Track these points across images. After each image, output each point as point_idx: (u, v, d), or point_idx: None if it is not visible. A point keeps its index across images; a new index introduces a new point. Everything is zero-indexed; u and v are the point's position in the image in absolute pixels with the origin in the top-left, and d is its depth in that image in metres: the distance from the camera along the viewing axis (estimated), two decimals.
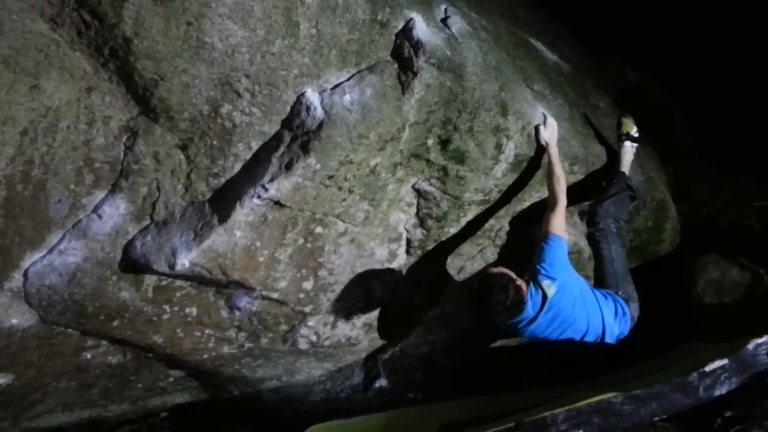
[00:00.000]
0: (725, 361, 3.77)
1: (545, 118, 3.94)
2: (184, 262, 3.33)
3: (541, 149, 3.96)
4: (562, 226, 3.69)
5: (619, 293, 3.85)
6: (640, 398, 3.63)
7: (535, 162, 4.02)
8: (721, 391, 3.73)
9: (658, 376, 3.82)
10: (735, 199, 5.78)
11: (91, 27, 2.95)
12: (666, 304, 5.10)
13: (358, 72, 3.44)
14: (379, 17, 3.42)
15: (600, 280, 4.00)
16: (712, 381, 3.72)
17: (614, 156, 4.40)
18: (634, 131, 4.43)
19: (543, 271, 3.53)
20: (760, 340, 3.87)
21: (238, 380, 4.37)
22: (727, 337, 4.11)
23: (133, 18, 2.91)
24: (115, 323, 3.61)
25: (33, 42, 2.96)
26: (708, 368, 3.72)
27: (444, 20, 3.77)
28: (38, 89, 3.05)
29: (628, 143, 4.37)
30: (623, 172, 4.24)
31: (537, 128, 3.90)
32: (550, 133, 3.90)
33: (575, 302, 3.57)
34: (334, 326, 4.19)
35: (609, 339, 3.70)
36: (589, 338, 3.65)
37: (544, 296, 3.47)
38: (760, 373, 3.81)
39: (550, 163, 3.88)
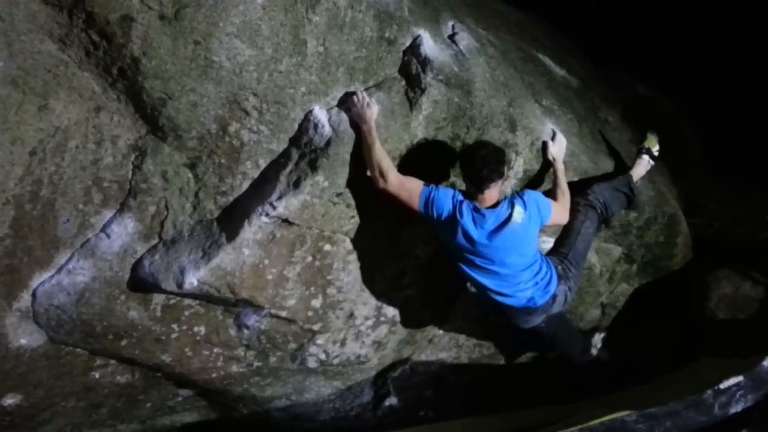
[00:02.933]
0: (740, 378, 3.74)
1: (554, 133, 3.92)
2: (192, 280, 3.32)
3: (548, 164, 3.94)
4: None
5: (558, 267, 3.80)
6: (653, 416, 3.61)
7: (541, 176, 4.00)
8: (736, 408, 3.70)
9: (671, 394, 3.78)
10: (747, 213, 5.73)
11: (99, 47, 2.97)
12: (678, 320, 5.07)
13: (366, 89, 3.43)
14: (386, 34, 3.43)
15: (554, 247, 4.01)
16: (727, 398, 3.70)
17: (624, 170, 4.37)
18: (655, 149, 4.42)
19: (522, 198, 3.51)
20: None
21: (247, 399, 4.34)
22: (742, 354, 4.07)
23: (141, 38, 2.92)
24: (124, 342, 3.60)
25: (42, 62, 2.97)
26: (723, 385, 3.70)
27: (451, 37, 3.77)
28: (47, 109, 3.06)
29: (646, 157, 4.36)
30: (631, 176, 4.22)
31: (545, 143, 3.89)
32: (558, 149, 3.89)
33: (521, 248, 3.54)
34: (343, 344, 4.16)
35: (520, 296, 3.63)
36: (506, 283, 3.60)
37: (509, 217, 3.42)
38: None
39: (556, 177, 3.87)
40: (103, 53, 2.99)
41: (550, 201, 3.66)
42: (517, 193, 3.55)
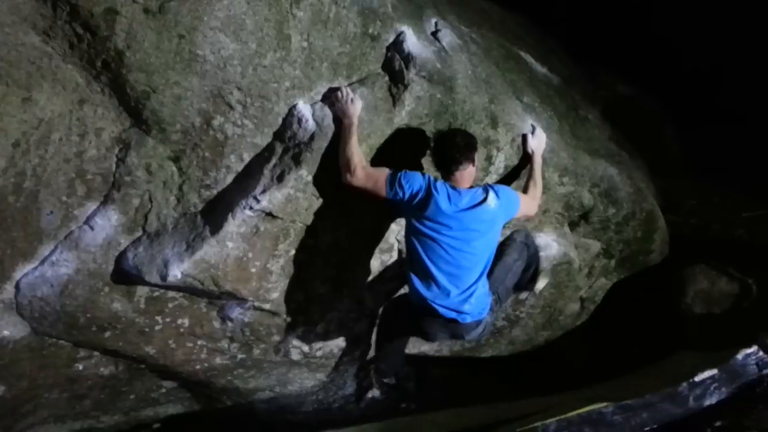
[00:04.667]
0: (715, 371, 3.81)
1: (534, 128, 3.97)
2: (176, 273, 3.34)
3: (527, 157, 3.97)
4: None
5: (493, 296, 3.69)
6: (630, 408, 3.67)
7: (518, 169, 4.03)
8: (711, 401, 3.77)
9: (648, 386, 3.85)
10: (723, 210, 5.84)
11: (83, 40, 2.97)
12: (655, 315, 5.15)
13: (350, 84, 3.46)
14: (370, 30, 3.46)
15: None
16: (702, 391, 3.76)
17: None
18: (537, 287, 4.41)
19: (495, 190, 3.48)
20: (749, 351, 3.92)
21: (231, 391, 4.37)
22: (717, 347, 4.15)
23: (125, 31, 2.93)
24: (107, 334, 3.62)
25: (25, 54, 2.98)
26: (698, 378, 3.77)
27: (434, 33, 3.81)
28: (30, 101, 3.06)
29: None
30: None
31: (525, 136, 3.93)
32: (537, 142, 3.92)
33: (487, 236, 3.49)
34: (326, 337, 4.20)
35: (457, 306, 3.50)
36: (456, 286, 3.47)
37: (484, 200, 3.41)
38: (749, 383, 3.86)
39: (532, 170, 3.90)
40: (87, 46, 2.99)
41: (519, 196, 3.64)
42: (490, 185, 3.53)
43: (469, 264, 3.47)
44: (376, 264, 4.03)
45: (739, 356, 3.89)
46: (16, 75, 2.99)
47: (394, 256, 4.06)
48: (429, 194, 3.36)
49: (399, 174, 3.36)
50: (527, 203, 3.72)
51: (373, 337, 4.36)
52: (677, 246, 5.11)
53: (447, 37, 3.82)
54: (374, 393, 4.73)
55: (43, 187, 3.20)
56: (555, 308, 4.84)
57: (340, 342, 4.30)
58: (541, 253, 4.38)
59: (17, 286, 3.34)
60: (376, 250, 3.97)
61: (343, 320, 4.19)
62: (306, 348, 4.18)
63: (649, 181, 5.18)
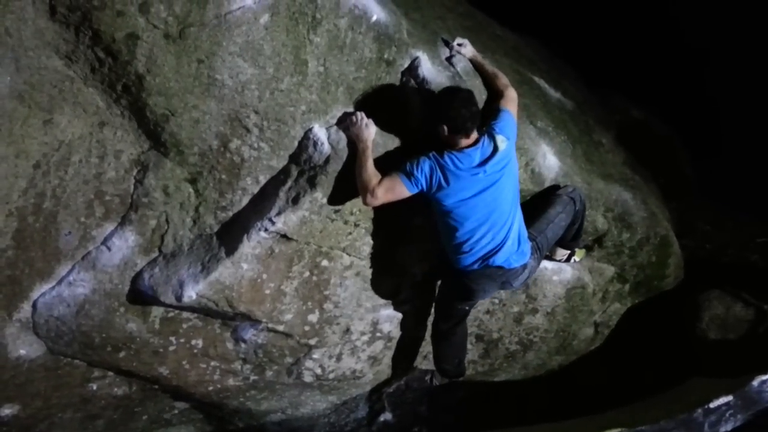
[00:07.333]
0: (730, 397, 3.77)
1: (452, 46, 3.89)
2: (191, 294, 3.37)
3: (542, 184, 3.97)
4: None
5: (531, 242, 3.72)
6: None
7: (537, 197, 4.02)
8: (726, 428, 3.72)
9: (662, 412, 3.81)
10: (738, 235, 5.80)
11: (104, 64, 3.03)
12: (670, 340, 5.11)
13: None
14: (385, 56, 3.50)
15: (528, 223, 3.81)
16: (716, 417, 3.72)
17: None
18: (578, 258, 4.45)
19: (497, 128, 3.47)
20: (764, 377, 3.88)
21: (243, 413, 4.36)
22: (732, 374, 4.11)
23: (146, 55, 2.98)
24: (122, 354, 3.64)
25: (48, 78, 3.03)
26: (713, 404, 3.73)
27: (449, 59, 3.83)
28: (52, 124, 3.11)
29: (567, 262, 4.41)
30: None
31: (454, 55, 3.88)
32: (467, 50, 3.89)
33: (510, 181, 3.51)
34: (339, 359, 4.20)
35: (506, 253, 3.57)
36: (496, 231, 3.51)
37: (495, 148, 3.39)
38: (765, 410, 3.81)
39: (483, 67, 3.87)
40: (108, 70, 3.05)
41: (509, 110, 3.61)
42: (491, 127, 3.49)
43: (502, 210, 3.52)
44: (390, 286, 4.04)
45: (755, 383, 3.84)
46: (38, 98, 3.04)
47: (407, 278, 4.06)
48: (443, 172, 3.37)
49: (408, 169, 3.36)
50: (513, 103, 3.70)
51: (389, 360, 4.36)
52: (692, 271, 5.08)
53: (461, 62, 3.85)
54: (386, 416, 4.71)
55: (62, 207, 3.25)
56: (569, 333, 4.81)
57: (353, 364, 4.29)
58: (555, 278, 4.37)
59: (34, 306, 3.37)
60: (390, 273, 3.98)
61: (357, 342, 4.19)
62: (319, 370, 4.18)
63: (663, 205, 5.16)
